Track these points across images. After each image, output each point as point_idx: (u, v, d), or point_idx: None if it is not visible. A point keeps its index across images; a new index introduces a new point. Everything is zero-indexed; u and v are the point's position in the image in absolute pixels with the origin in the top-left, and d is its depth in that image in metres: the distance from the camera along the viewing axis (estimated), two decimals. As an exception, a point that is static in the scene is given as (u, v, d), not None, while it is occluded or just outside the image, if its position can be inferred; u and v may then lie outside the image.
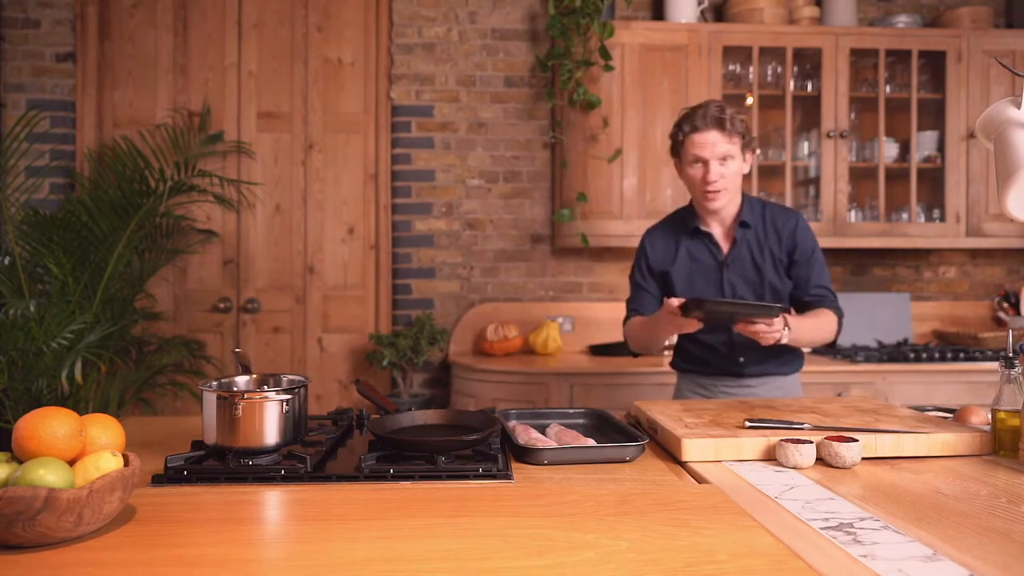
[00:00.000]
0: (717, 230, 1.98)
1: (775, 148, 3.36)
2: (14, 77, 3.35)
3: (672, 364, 2.15)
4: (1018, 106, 1.24)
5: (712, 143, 1.82)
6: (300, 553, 0.88)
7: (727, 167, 1.85)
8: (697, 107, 1.87)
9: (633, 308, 2.03)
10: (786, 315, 1.73)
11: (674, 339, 2.13)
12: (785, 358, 2.00)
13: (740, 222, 1.94)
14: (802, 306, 1.97)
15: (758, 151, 3.31)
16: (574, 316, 3.47)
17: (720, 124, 1.82)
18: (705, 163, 1.84)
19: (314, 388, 3.50)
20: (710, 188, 1.85)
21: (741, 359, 1.97)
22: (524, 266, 3.51)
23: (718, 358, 1.99)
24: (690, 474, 1.28)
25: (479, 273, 3.51)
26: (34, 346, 2.58)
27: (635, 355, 2.08)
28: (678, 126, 1.88)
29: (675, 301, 1.70)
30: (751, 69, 3.27)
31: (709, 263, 1.96)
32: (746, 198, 1.97)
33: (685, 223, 2.00)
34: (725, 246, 1.97)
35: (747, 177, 3.30)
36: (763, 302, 1.76)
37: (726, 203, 1.90)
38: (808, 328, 1.82)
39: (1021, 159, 1.20)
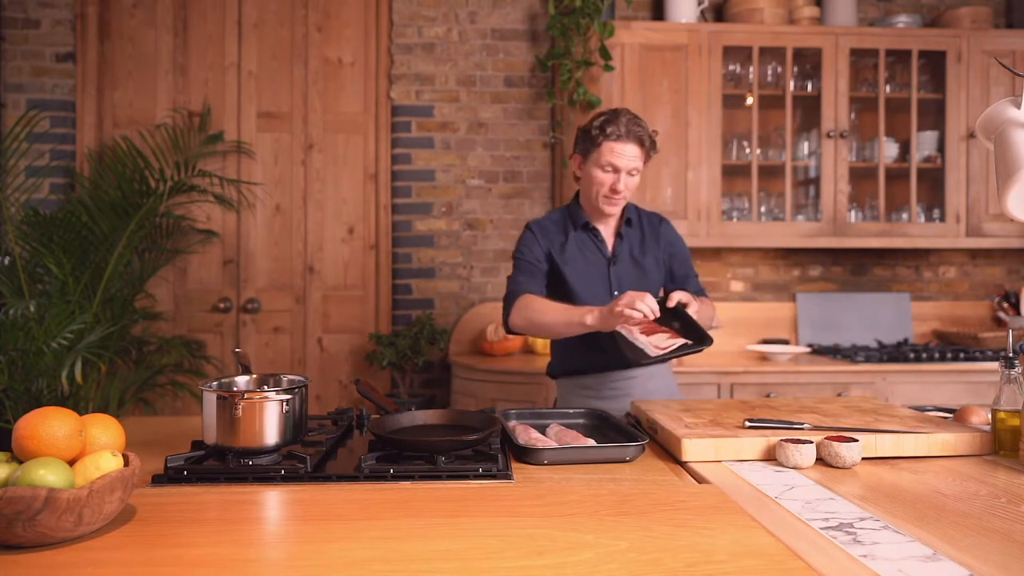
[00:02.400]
0: (603, 227, 2.05)
1: (775, 148, 3.36)
2: (14, 77, 3.35)
3: (550, 373, 2.12)
4: (1018, 106, 1.24)
5: (629, 155, 1.89)
6: (300, 553, 0.88)
7: (632, 179, 1.93)
8: (619, 114, 1.91)
9: (524, 281, 1.95)
10: (694, 297, 1.82)
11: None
12: None
13: (626, 220, 2.04)
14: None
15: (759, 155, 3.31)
16: (574, 316, 3.47)
17: (640, 141, 1.89)
18: (617, 171, 1.90)
19: (314, 388, 3.50)
20: (615, 197, 1.93)
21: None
22: (524, 266, 3.51)
23: (607, 354, 1.94)
24: (690, 474, 1.29)
25: (479, 273, 3.51)
26: (34, 346, 2.58)
27: (510, 331, 1.96)
28: (600, 128, 1.90)
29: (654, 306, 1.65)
30: (751, 69, 3.27)
31: (596, 258, 2.02)
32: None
33: (573, 218, 2.04)
34: (610, 243, 2.04)
35: (747, 177, 3.30)
36: (692, 343, 1.68)
37: (620, 211, 2.02)
38: (704, 311, 1.92)
39: (1021, 159, 1.20)
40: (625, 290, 1.97)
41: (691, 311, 1.76)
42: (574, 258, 2.01)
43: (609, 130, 1.89)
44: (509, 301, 1.96)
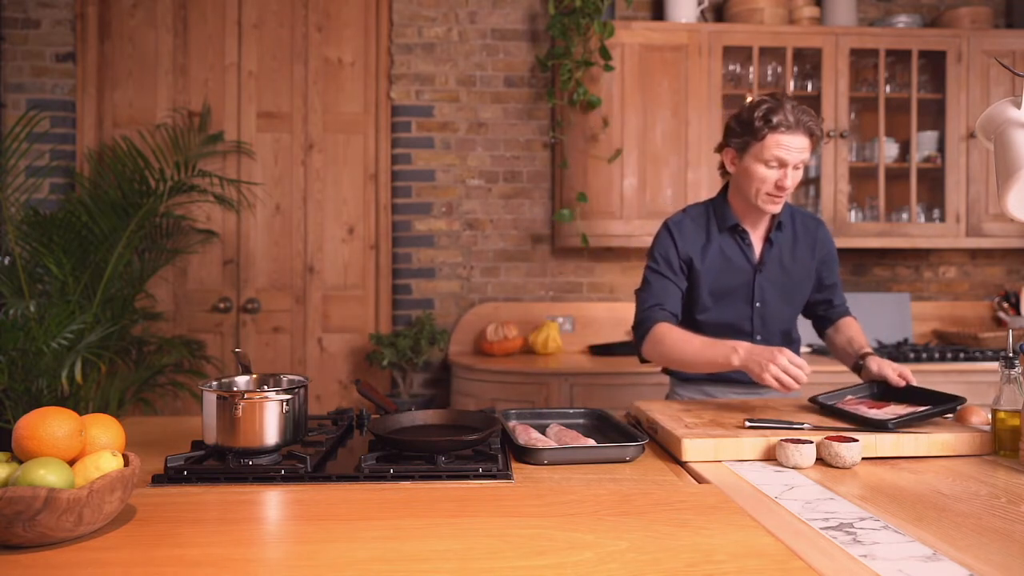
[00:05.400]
0: (752, 230, 1.87)
1: (775, 148, 3.36)
2: (14, 77, 3.35)
3: (667, 370, 2.01)
4: (1018, 106, 1.24)
5: (799, 148, 1.69)
6: (300, 553, 0.88)
7: (797, 173, 1.74)
8: (782, 101, 1.70)
9: (656, 304, 1.79)
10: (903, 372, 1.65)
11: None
12: None
13: (777, 223, 1.86)
14: (829, 313, 1.99)
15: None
16: (574, 316, 3.47)
17: (811, 131, 1.70)
18: (783, 166, 1.71)
19: (314, 388, 3.50)
20: (780, 195, 1.74)
21: None
22: (524, 266, 3.51)
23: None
24: (690, 474, 1.28)
25: (479, 273, 3.51)
26: (34, 346, 2.58)
27: (643, 360, 1.84)
28: (764, 118, 1.69)
29: (799, 374, 1.48)
30: (751, 69, 3.27)
31: (741, 264, 1.85)
32: None
33: (720, 217, 1.86)
34: (758, 247, 1.87)
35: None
36: (936, 407, 1.48)
37: (780, 208, 1.81)
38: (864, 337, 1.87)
39: (1021, 159, 1.20)
40: (768, 301, 1.85)
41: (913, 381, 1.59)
42: (715, 263, 1.84)
43: (775, 120, 1.67)
44: (641, 330, 1.80)
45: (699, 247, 1.85)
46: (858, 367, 1.77)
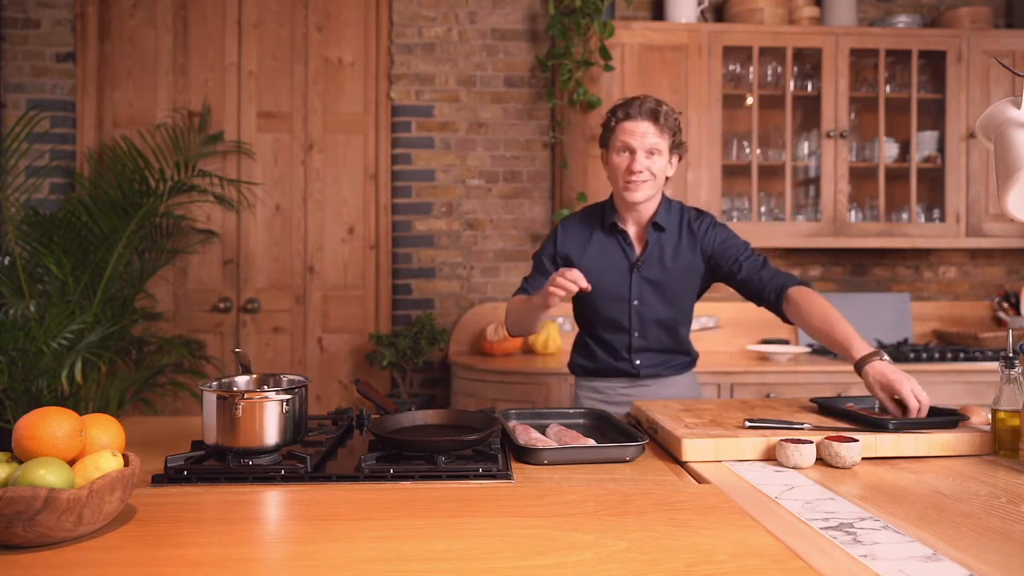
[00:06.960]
0: (632, 229, 1.93)
1: (775, 148, 3.36)
2: (14, 77, 3.35)
3: (570, 366, 2.08)
4: (1018, 106, 1.24)
5: (643, 133, 1.79)
6: (300, 553, 0.88)
7: (653, 161, 1.81)
8: (633, 98, 1.84)
9: (523, 288, 1.97)
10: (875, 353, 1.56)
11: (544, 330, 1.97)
12: (676, 358, 1.98)
13: (653, 223, 1.90)
14: (763, 288, 1.80)
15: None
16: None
17: (654, 116, 1.80)
18: (632, 152, 1.80)
19: (314, 388, 3.50)
20: (633, 178, 1.81)
21: (637, 361, 1.95)
22: (524, 266, 3.51)
23: (616, 359, 1.96)
24: (690, 474, 1.29)
25: (479, 273, 3.51)
26: (34, 346, 2.58)
27: (512, 335, 2.01)
28: (611, 113, 1.85)
29: (578, 278, 1.61)
30: (751, 69, 3.27)
31: (620, 262, 1.92)
32: (664, 200, 1.92)
33: (602, 217, 1.95)
34: (638, 247, 1.93)
35: (747, 177, 3.30)
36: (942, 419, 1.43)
37: (647, 197, 1.84)
38: (848, 325, 1.69)
39: (1021, 159, 1.20)
40: (645, 299, 1.90)
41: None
42: (594, 260, 1.92)
43: (619, 114, 1.83)
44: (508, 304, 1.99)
45: (579, 246, 1.94)
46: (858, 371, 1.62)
